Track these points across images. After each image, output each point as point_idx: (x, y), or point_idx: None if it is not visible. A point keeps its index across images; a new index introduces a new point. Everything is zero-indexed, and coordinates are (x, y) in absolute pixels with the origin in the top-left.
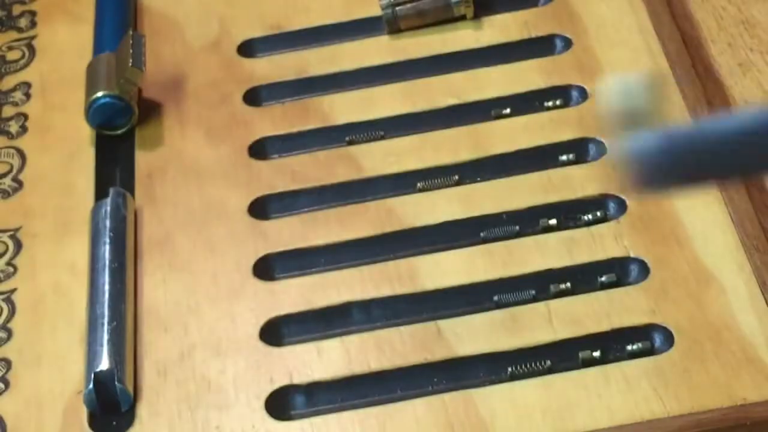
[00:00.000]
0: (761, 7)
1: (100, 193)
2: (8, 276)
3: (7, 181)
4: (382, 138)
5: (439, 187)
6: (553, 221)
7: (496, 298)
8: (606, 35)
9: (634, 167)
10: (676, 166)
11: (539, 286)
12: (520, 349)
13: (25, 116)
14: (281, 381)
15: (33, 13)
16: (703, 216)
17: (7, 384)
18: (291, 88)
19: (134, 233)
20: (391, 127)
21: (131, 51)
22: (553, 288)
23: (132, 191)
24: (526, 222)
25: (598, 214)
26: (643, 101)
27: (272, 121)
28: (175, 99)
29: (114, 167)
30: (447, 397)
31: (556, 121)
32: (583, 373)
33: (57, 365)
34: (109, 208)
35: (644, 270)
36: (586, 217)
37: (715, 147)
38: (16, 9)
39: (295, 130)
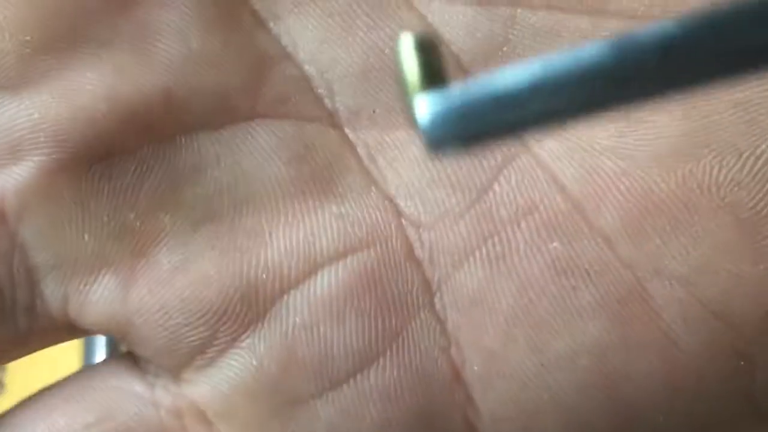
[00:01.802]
0: None
1: None
2: None
3: None
4: None
5: None
6: None
7: None
8: None
9: (423, 129)
10: (464, 125)
11: None
12: None
13: None
14: None
15: None
16: None
17: (1, 385)
18: None
19: None
20: None
21: None
22: None
23: None
24: None
25: None
26: (424, 61)
27: None
28: None
29: None
30: None
31: None
32: None
33: (51, 366)
34: None
35: None
36: None
37: (500, 101)
38: None
39: None
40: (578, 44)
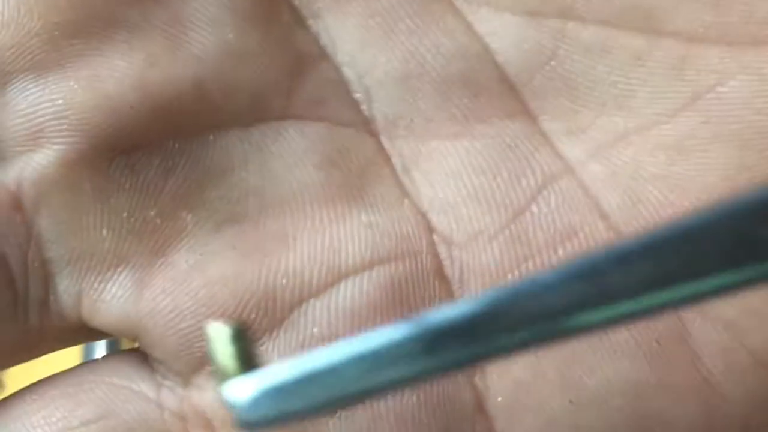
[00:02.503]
0: None
1: None
2: None
3: None
4: None
5: None
6: None
7: None
8: None
9: (236, 412)
10: (275, 406)
11: None
12: None
13: None
14: None
15: None
16: None
17: (2, 385)
18: None
19: None
20: None
21: None
22: None
23: None
24: None
25: None
26: (236, 348)
27: None
28: None
29: None
30: None
31: None
32: None
33: (51, 365)
34: None
35: None
36: None
37: (308, 383)
38: None
39: None
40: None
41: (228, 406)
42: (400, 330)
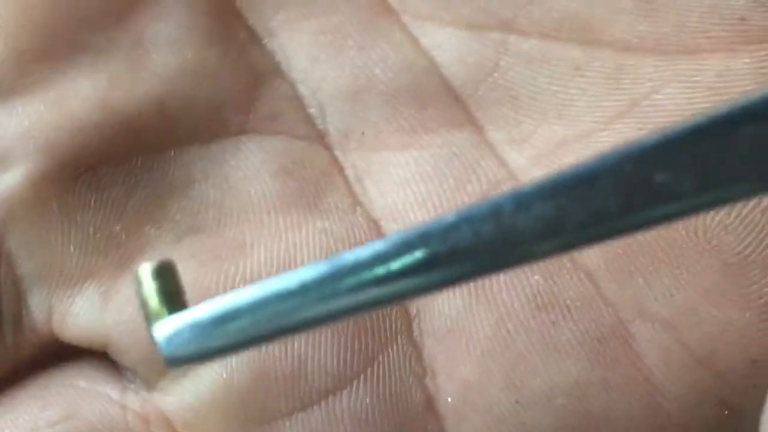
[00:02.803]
0: None
1: None
2: None
3: None
4: None
5: None
6: None
7: None
8: None
9: (161, 349)
10: (197, 342)
11: None
12: None
13: None
14: None
15: None
16: None
17: None
18: None
19: None
20: None
21: None
22: None
23: None
24: None
25: None
26: (162, 287)
27: None
28: None
29: None
30: None
31: None
32: None
33: None
34: None
35: None
36: None
37: (226, 321)
38: None
39: None
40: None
41: (155, 344)
42: (315, 269)
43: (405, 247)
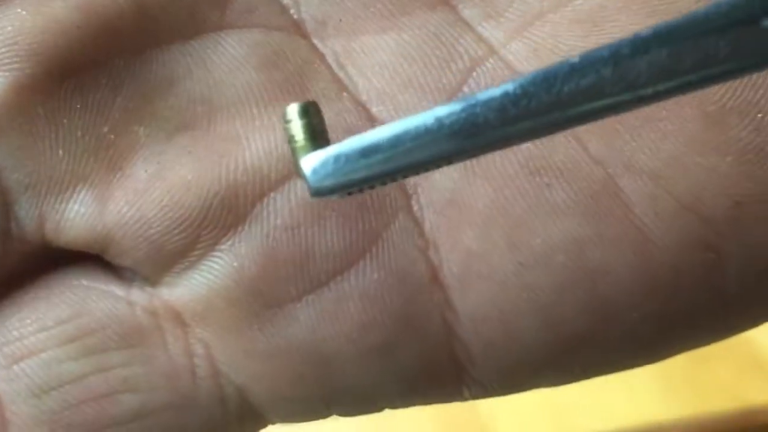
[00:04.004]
0: None
1: None
2: None
3: None
4: None
5: None
6: None
7: None
8: None
9: (308, 182)
10: (342, 176)
11: None
12: None
13: None
14: None
15: None
16: None
17: None
18: None
19: None
20: None
21: None
22: None
23: None
24: None
25: None
26: (308, 124)
27: None
28: None
29: None
30: None
31: None
32: None
33: None
34: None
35: None
36: None
37: (370, 156)
38: None
39: None
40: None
41: (303, 177)
42: (449, 108)
43: (532, 87)
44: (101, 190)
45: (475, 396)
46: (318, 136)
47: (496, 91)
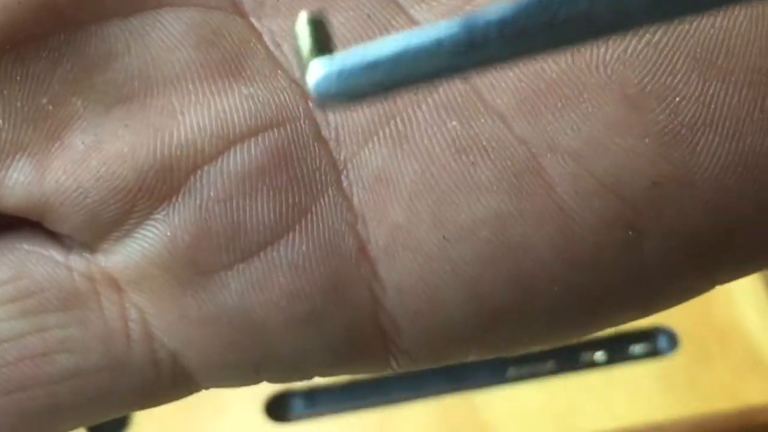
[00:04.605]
0: None
1: None
2: None
3: None
4: None
5: None
6: None
7: None
8: None
9: (313, 89)
10: (346, 85)
11: None
12: None
13: None
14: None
15: None
16: None
17: None
18: None
19: None
20: None
21: None
22: None
23: None
24: None
25: None
26: (314, 34)
27: None
28: None
29: None
30: (448, 400)
31: None
32: (586, 375)
33: None
34: None
35: None
36: None
37: (374, 66)
38: None
39: None
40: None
41: (308, 87)
42: (451, 24)
43: (532, 6)
44: (40, 159)
45: (403, 366)
46: (324, 47)
47: (497, 9)
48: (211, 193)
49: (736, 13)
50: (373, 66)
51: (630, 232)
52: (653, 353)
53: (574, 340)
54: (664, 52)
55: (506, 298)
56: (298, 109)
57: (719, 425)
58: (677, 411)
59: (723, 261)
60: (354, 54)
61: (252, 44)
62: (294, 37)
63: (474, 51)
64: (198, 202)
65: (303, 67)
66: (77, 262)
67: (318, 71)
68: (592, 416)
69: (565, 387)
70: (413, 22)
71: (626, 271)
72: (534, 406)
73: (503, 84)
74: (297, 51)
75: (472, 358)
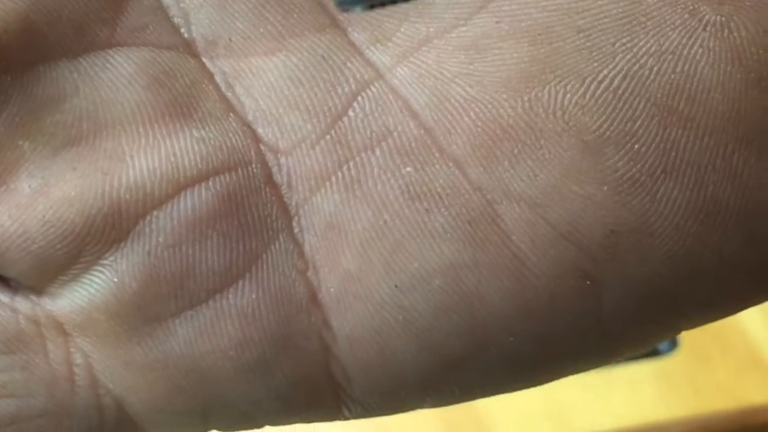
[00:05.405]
0: None
1: None
2: None
3: None
4: None
5: None
6: None
7: None
8: None
9: None
10: None
11: None
12: None
13: None
14: None
15: None
16: None
17: None
18: None
19: None
20: None
21: None
22: None
23: None
24: None
25: None
26: None
27: None
28: None
29: None
30: None
31: None
32: (585, 374)
33: None
34: None
35: None
36: None
37: None
38: None
39: None
40: None
41: None
42: None
43: None
44: None
45: (355, 416)
46: None
47: None
48: (160, 239)
49: (699, 61)
50: None
51: (587, 281)
52: (653, 353)
53: (535, 386)
54: (624, 98)
55: (460, 348)
56: (250, 152)
57: (719, 425)
58: (677, 411)
59: (683, 310)
60: None
61: (204, 85)
62: None
63: None
64: (146, 247)
65: None
66: (23, 304)
67: None
68: (591, 416)
69: (564, 387)
70: (368, 63)
71: (583, 320)
72: (533, 405)
73: (459, 129)
74: None
75: (428, 406)
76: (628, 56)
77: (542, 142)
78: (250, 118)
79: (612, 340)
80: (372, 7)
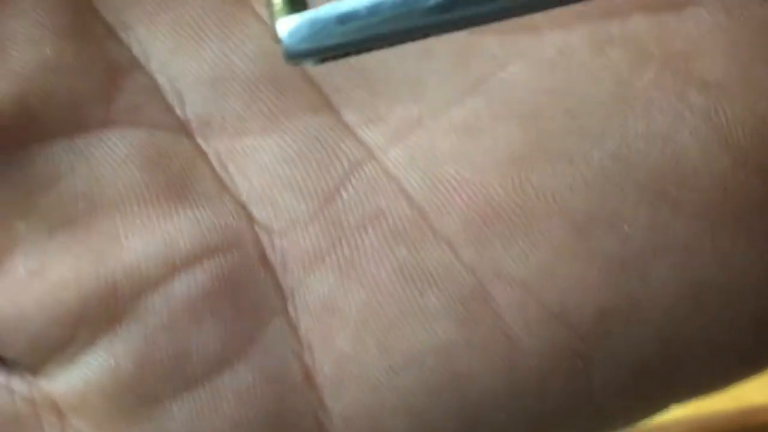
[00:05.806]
0: None
1: None
2: None
3: None
4: None
5: None
6: None
7: None
8: None
9: (284, 45)
10: (317, 42)
11: None
12: None
13: None
14: None
15: None
16: None
17: None
18: None
19: None
20: None
21: None
22: None
23: None
24: None
25: None
26: None
27: None
28: None
29: None
30: None
31: None
32: None
33: None
34: None
35: None
36: None
37: (347, 22)
38: None
39: None
40: None
41: (278, 41)
42: None
43: None
44: None
45: None
46: (295, 1)
47: None
48: (156, 321)
49: (687, 143)
50: (346, 21)
51: (577, 361)
52: None
53: None
54: (613, 180)
55: (452, 427)
56: (244, 233)
57: (719, 425)
58: (677, 411)
59: (673, 388)
60: (327, 9)
61: (198, 165)
62: None
63: (452, 11)
64: (142, 329)
65: (273, 22)
66: (19, 385)
67: (288, 26)
68: None
69: None
70: (361, 144)
71: (573, 398)
72: None
73: (451, 210)
74: (266, 5)
75: None
76: (617, 138)
77: (533, 223)
78: (244, 198)
79: (602, 417)
80: (323, 61)
